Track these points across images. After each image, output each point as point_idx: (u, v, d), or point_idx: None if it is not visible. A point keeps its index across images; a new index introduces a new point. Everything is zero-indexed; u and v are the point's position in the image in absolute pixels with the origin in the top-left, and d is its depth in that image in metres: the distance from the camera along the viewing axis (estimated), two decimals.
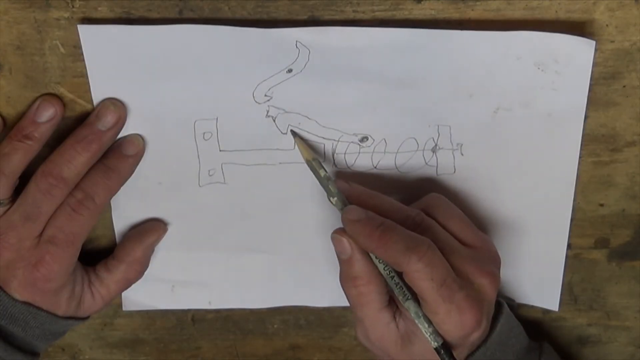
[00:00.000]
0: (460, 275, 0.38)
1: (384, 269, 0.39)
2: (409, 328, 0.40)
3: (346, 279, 0.39)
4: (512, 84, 0.41)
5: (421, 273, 0.36)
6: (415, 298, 0.38)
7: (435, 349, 0.38)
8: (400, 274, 0.38)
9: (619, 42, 0.40)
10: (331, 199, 0.40)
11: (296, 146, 0.42)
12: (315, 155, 0.41)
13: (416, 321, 0.38)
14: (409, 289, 0.38)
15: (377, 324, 0.40)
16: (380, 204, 0.40)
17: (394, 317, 0.40)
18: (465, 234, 0.40)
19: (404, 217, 0.39)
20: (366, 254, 0.39)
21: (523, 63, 0.40)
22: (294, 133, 0.41)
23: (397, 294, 0.39)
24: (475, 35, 0.39)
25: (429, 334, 0.38)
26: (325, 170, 0.41)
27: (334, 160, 0.42)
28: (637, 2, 0.39)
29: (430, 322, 0.38)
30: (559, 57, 0.40)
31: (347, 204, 0.40)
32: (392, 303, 0.40)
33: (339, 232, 0.39)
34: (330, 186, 0.40)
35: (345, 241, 0.39)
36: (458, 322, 0.37)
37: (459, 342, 0.39)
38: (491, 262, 0.40)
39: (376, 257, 0.39)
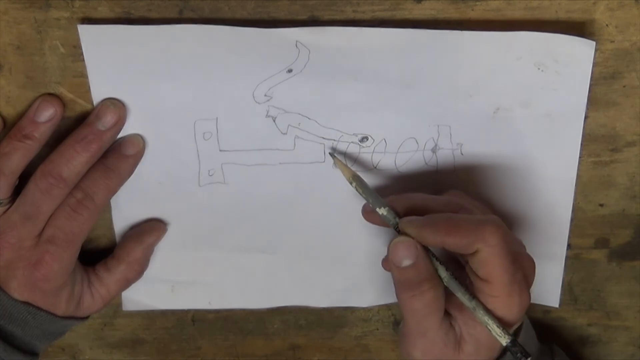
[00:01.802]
0: (519, 262, 0.38)
1: (445, 271, 0.38)
2: (463, 331, 0.39)
3: (411, 287, 0.37)
4: (512, 84, 0.41)
5: (496, 248, 0.36)
6: (466, 289, 0.38)
7: (506, 346, 0.37)
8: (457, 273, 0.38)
9: (619, 42, 0.40)
10: (381, 209, 0.39)
11: (297, 146, 0.42)
12: (354, 172, 0.40)
13: (486, 322, 0.37)
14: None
15: (440, 333, 0.38)
16: (421, 200, 0.40)
17: (451, 324, 0.39)
18: None
19: (445, 203, 0.39)
20: (428, 255, 0.38)
21: (523, 63, 0.40)
22: (332, 155, 0.41)
23: (461, 295, 0.38)
24: (475, 35, 0.39)
25: (498, 333, 0.37)
26: (368, 186, 0.40)
27: (334, 161, 0.42)
28: (637, 2, 0.39)
29: (497, 321, 0.37)
30: (559, 57, 0.40)
31: (397, 215, 0.39)
32: (445, 312, 0.39)
33: (403, 237, 0.38)
34: (378, 198, 0.40)
35: (413, 243, 0.37)
36: (517, 305, 0.37)
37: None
38: (528, 254, 0.40)
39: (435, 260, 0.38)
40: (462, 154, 0.43)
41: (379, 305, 0.48)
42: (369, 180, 0.43)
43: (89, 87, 0.39)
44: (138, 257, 0.43)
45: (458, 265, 0.40)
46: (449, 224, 0.37)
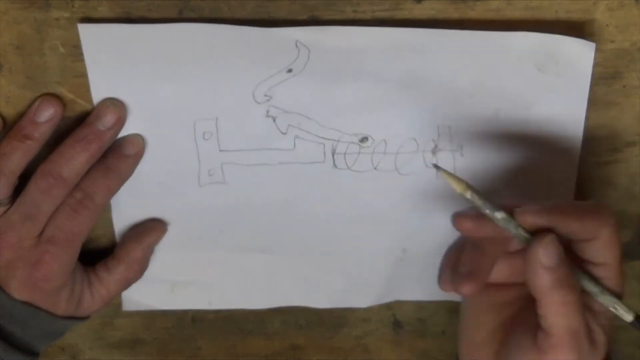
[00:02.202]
0: None
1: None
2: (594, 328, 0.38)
3: (563, 286, 0.36)
4: (513, 85, 0.41)
5: (614, 228, 0.36)
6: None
7: (631, 322, 0.37)
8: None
9: (619, 42, 0.40)
10: (497, 213, 0.37)
11: (297, 146, 0.42)
12: (467, 182, 0.37)
13: (614, 303, 0.37)
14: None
15: (587, 331, 0.37)
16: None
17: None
18: None
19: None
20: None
21: (523, 64, 0.40)
22: (437, 167, 0.38)
23: (587, 282, 0.37)
24: (475, 35, 0.39)
25: (625, 310, 0.37)
26: (480, 191, 0.37)
27: (334, 161, 0.42)
28: (637, 2, 0.39)
29: (620, 301, 0.37)
30: (559, 58, 0.40)
31: (512, 220, 0.37)
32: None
33: (548, 235, 0.36)
34: (493, 203, 0.37)
35: (558, 240, 0.36)
36: (624, 284, 0.38)
37: None
38: None
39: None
40: (462, 155, 0.43)
41: (379, 305, 0.48)
42: (370, 180, 0.43)
43: (89, 87, 0.39)
44: (138, 257, 0.43)
45: None
46: (577, 209, 0.36)
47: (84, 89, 0.40)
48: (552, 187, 0.44)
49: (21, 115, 0.39)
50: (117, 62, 0.39)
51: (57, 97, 0.40)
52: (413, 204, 0.44)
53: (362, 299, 0.47)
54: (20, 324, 0.40)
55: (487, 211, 0.37)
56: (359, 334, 0.50)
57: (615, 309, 0.37)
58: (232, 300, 0.47)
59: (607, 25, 0.40)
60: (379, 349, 0.51)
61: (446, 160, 0.43)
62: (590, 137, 0.43)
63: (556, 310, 0.36)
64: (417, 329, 0.50)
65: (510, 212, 0.37)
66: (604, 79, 0.41)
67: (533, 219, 0.36)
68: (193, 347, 0.50)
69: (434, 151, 0.43)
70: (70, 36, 0.38)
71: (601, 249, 0.37)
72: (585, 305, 0.37)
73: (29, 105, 0.39)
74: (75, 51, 0.39)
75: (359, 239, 0.45)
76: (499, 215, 0.37)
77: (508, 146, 0.42)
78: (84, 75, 0.39)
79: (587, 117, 0.42)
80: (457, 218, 0.39)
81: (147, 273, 0.45)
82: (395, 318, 0.49)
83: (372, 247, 0.45)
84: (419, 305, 0.49)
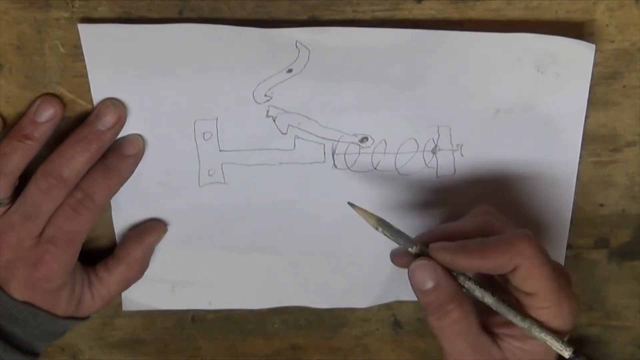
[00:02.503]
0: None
1: (491, 296, 0.37)
2: (513, 348, 0.38)
3: (436, 309, 0.37)
4: (512, 85, 0.41)
5: (535, 259, 0.35)
6: (516, 309, 0.37)
7: (569, 358, 0.36)
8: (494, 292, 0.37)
9: (619, 42, 0.40)
10: (411, 249, 0.38)
11: (297, 146, 0.42)
12: (379, 217, 0.38)
13: (544, 339, 0.36)
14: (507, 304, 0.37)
15: (480, 351, 0.37)
16: (450, 231, 0.39)
17: (496, 343, 0.38)
18: None
19: (474, 227, 0.38)
20: (451, 275, 0.37)
21: (523, 65, 0.40)
22: (352, 205, 0.39)
23: (513, 317, 0.37)
24: (475, 36, 0.39)
25: (559, 347, 0.36)
26: (393, 225, 0.39)
27: (334, 161, 0.42)
28: (637, 2, 0.39)
29: (555, 335, 0.36)
30: (559, 59, 0.40)
31: (422, 247, 0.38)
32: (486, 330, 0.38)
33: (420, 260, 0.37)
34: (405, 237, 0.38)
35: (432, 265, 0.36)
36: (569, 311, 0.36)
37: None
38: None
39: (467, 286, 0.37)
40: (462, 155, 0.43)
41: (379, 305, 0.48)
42: (370, 181, 0.43)
43: (89, 87, 0.39)
44: (138, 257, 0.43)
45: (496, 288, 0.39)
46: (483, 248, 0.36)
47: (84, 89, 0.40)
48: (552, 187, 0.44)
49: (21, 116, 0.39)
50: (117, 62, 0.39)
51: (57, 97, 0.40)
52: (413, 204, 0.44)
53: (361, 299, 0.47)
54: (21, 324, 0.40)
55: (402, 245, 0.38)
56: (359, 334, 0.50)
57: (550, 344, 0.36)
58: (232, 300, 0.47)
59: (607, 25, 0.40)
60: (379, 349, 0.51)
61: (446, 159, 0.43)
62: (590, 137, 0.43)
63: (435, 333, 0.38)
64: (417, 329, 0.50)
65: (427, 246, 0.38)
66: (604, 79, 0.41)
67: (446, 258, 0.37)
68: (193, 347, 0.50)
69: (434, 151, 0.43)
70: (70, 36, 0.38)
71: (521, 280, 0.36)
72: (503, 323, 0.38)
73: (29, 105, 0.39)
74: (75, 51, 0.39)
75: (359, 239, 0.45)
76: (413, 249, 0.38)
77: (508, 146, 0.42)
78: (84, 75, 0.39)
79: (587, 117, 0.42)
80: (393, 257, 0.40)
81: (147, 273, 0.45)
82: (395, 318, 0.49)
83: (372, 247, 0.45)
84: (419, 305, 0.48)
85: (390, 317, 0.49)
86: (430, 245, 0.37)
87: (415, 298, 0.48)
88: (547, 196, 0.44)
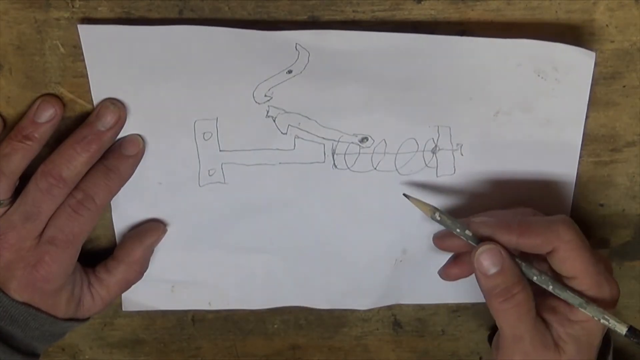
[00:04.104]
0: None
1: (540, 275, 0.38)
2: (561, 332, 0.39)
3: (503, 292, 0.38)
4: (512, 89, 0.41)
5: (573, 243, 0.37)
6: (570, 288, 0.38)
7: (625, 335, 0.37)
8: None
9: (619, 42, 0.40)
10: (469, 232, 0.39)
11: (297, 146, 0.42)
12: (434, 206, 0.40)
13: (601, 315, 0.37)
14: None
15: (537, 336, 0.38)
16: (493, 214, 0.40)
17: (546, 327, 0.39)
18: None
19: (514, 212, 0.40)
20: (514, 260, 0.38)
21: (523, 70, 0.40)
22: (407, 196, 0.41)
23: (569, 296, 0.38)
24: (475, 41, 0.39)
25: (616, 322, 0.37)
26: (449, 215, 0.40)
27: (334, 161, 0.42)
28: (637, 2, 0.39)
29: (610, 313, 0.37)
30: (559, 66, 0.40)
31: (476, 239, 0.39)
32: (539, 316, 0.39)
33: (487, 244, 0.38)
34: (461, 225, 0.39)
35: (499, 249, 0.37)
36: (610, 296, 0.37)
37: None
38: None
39: (524, 264, 0.38)
40: (462, 154, 0.43)
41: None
42: (370, 181, 0.43)
43: (89, 87, 0.39)
44: (138, 257, 0.43)
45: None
46: (522, 225, 0.37)
47: (84, 89, 0.40)
48: (552, 187, 0.44)
49: (21, 116, 0.39)
50: (117, 62, 0.39)
51: (57, 97, 0.40)
52: (413, 205, 0.44)
53: (362, 301, 0.47)
54: (21, 325, 0.40)
55: (458, 231, 0.39)
56: (359, 334, 0.50)
57: (607, 320, 0.37)
58: (232, 300, 0.47)
59: (607, 25, 0.40)
60: (379, 349, 0.51)
61: (446, 159, 0.43)
62: (590, 137, 0.43)
63: (497, 316, 0.39)
64: (417, 329, 0.50)
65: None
66: (604, 79, 0.41)
67: (486, 232, 0.38)
68: (193, 347, 0.50)
69: (434, 151, 0.42)
70: (70, 36, 0.38)
71: (560, 263, 0.37)
72: (550, 308, 0.39)
73: (29, 106, 0.39)
74: (75, 51, 0.39)
75: (359, 239, 0.45)
76: (466, 231, 0.39)
77: (508, 146, 0.42)
78: (84, 75, 0.39)
79: (587, 117, 0.42)
80: (435, 239, 0.43)
81: (147, 273, 0.45)
82: (395, 318, 0.49)
83: (372, 247, 0.45)
84: (419, 305, 0.49)
85: (390, 317, 0.49)
86: (471, 218, 0.39)
87: (415, 301, 0.48)
88: (547, 196, 0.44)
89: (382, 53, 0.39)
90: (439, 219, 0.39)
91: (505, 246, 0.38)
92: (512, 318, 0.38)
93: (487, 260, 0.38)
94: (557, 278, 0.39)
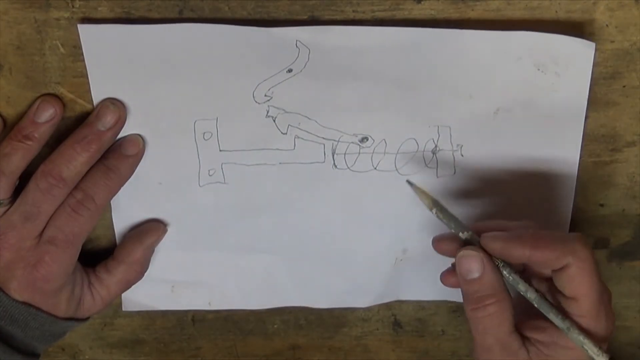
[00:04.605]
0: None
1: (535, 292, 0.37)
2: (542, 354, 0.38)
3: (476, 300, 0.37)
4: (512, 84, 0.41)
5: (586, 262, 0.35)
6: (557, 309, 0.37)
7: None
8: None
9: (619, 42, 0.40)
10: (462, 234, 0.38)
11: (297, 146, 0.42)
12: (435, 198, 0.39)
13: (581, 342, 0.36)
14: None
15: (508, 350, 0.37)
16: (501, 225, 0.39)
17: (524, 345, 0.38)
18: None
19: (524, 226, 0.39)
20: (497, 270, 0.37)
21: (523, 64, 0.40)
22: (410, 183, 0.39)
23: (553, 316, 0.37)
24: (475, 35, 0.39)
25: (595, 352, 0.36)
26: (449, 211, 0.39)
27: (334, 161, 0.42)
28: (637, 2, 0.39)
29: (593, 340, 0.36)
30: (559, 58, 0.40)
31: (476, 235, 0.38)
32: (517, 332, 0.38)
33: (469, 249, 0.37)
34: (459, 223, 0.39)
35: (480, 256, 0.37)
36: (603, 328, 0.36)
37: None
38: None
39: (512, 277, 0.38)
40: (462, 155, 0.43)
41: (379, 305, 0.48)
42: (370, 181, 0.43)
43: (89, 87, 0.39)
44: (138, 258, 0.43)
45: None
46: (536, 238, 0.36)
47: (84, 89, 0.40)
48: (552, 187, 0.44)
49: (21, 116, 0.39)
50: (117, 62, 0.39)
51: (57, 97, 0.40)
52: (413, 204, 0.44)
53: (362, 299, 0.47)
54: (21, 325, 0.40)
55: (453, 229, 0.39)
56: (359, 334, 0.50)
57: (586, 349, 0.36)
58: (232, 301, 0.47)
59: (607, 25, 0.40)
60: (379, 349, 0.51)
61: (446, 159, 0.43)
62: (590, 137, 0.43)
63: (469, 322, 0.38)
64: (417, 329, 0.50)
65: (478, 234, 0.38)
66: (604, 79, 0.41)
67: (498, 246, 0.37)
68: (193, 347, 0.50)
69: (434, 151, 0.43)
70: (70, 36, 0.38)
71: (569, 282, 0.36)
72: (539, 328, 0.38)
73: (29, 106, 0.39)
74: (75, 51, 0.39)
75: (359, 239, 0.45)
76: (464, 235, 0.38)
77: (508, 146, 0.42)
78: (84, 75, 0.39)
79: (587, 117, 0.42)
80: (434, 241, 0.41)
81: (147, 273, 0.45)
82: (395, 318, 0.49)
83: (372, 247, 0.45)
84: (419, 305, 0.49)
85: (390, 317, 0.49)
86: (483, 234, 0.38)
87: (415, 298, 0.48)
88: (547, 196, 0.44)
89: (382, 49, 0.39)
90: (435, 214, 0.39)
91: (516, 260, 0.37)
92: (481, 327, 0.38)
93: (467, 264, 0.37)
94: (553, 297, 0.38)
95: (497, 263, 0.37)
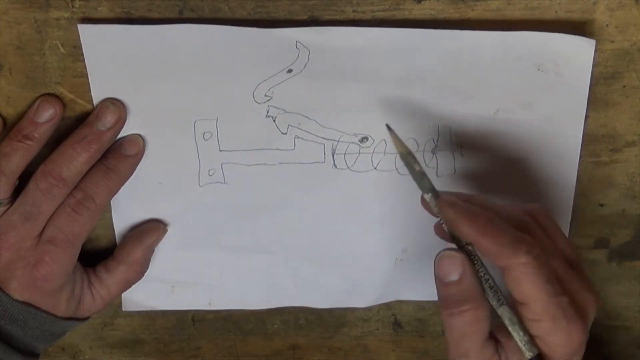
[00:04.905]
0: (561, 286, 0.34)
1: (480, 270, 0.36)
2: (509, 358, 0.36)
3: (453, 304, 0.35)
4: (513, 85, 0.41)
5: (528, 267, 0.33)
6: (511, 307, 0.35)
7: (530, 359, 0.34)
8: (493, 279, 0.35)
9: (619, 42, 0.40)
10: (425, 195, 0.36)
11: (297, 146, 0.42)
12: (410, 150, 0.37)
13: (510, 329, 0.35)
14: (504, 297, 0.35)
15: (482, 357, 0.36)
16: (481, 202, 0.37)
17: (497, 351, 0.36)
18: (569, 254, 0.37)
19: (508, 215, 0.36)
20: (476, 274, 0.35)
21: (523, 64, 0.40)
22: (388, 127, 0.37)
23: (491, 298, 0.35)
24: (475, 35, 0.39)
25: (523, 342, 0.34)
26: (420, 165, 0.37)
27: (334, 161, 0.42)
28: (637, 2, 0.39)
29: (525, 331, 0.35)
30: (559, 58, 0.40)
31: (439, 200, 0.36)
32: (492, 337, 0.36)
33: (450, 250, 0.36)
34: (425, 181, 0.36)
35: (460, 258, 0.35)
36: (566, 332, 0.34)
37: None
38: (592, 290, 0.36)
39: (470, 256, 0.36)
40: (462, 155, 0.43)
41: (379, 305, 0.48)
42: (370, 181, 0.43)
43: (89, 87, 0.39)
44: (138, 258, 0.43)
45: None
46: (489, 225, 0.34)
47: (84, 89, 0.40)
48: (552, 187, 0.44)
49: (21, 116, 0.39)
50: (117, 62, 0.39)
51: (57, 97, 0.40)
52: (413, 204, 0.44)
53: (361, 299, 0.47)
54: (20, 324, 0.40)
55: (418, 186, 0.37)
56: (359, 334, 0.50)
57: (516, 338, 0.35)
58: (232, 301, 0.47)
59: (607, 25, 0.40)
60: (379, 349, 0.51)
61: (446, 160, 0.43)
62: (590, 137, 0.43)
63: (444, 326, 0.36)
64: (417, 329, 0.50)
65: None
66: (604, 79, 0.41)
67: (448, 214, 0.35)
68: (193, 347, 0.50)
69: (434, 151, 0.43)
70: (70, 36, 0.38)
71: (514, 285, 0.34)
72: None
73: (29, 106, 0.39)
74: (75, 51, 0.39)
75: (359, 239, 0.45)
76: (427, 196, 0.36)
77: (508, 146, 0.42)
78: (84, 75, 0.39)
79: (587, 117, 0.42)
80: (436, 227, 0.39)
81: (147, 273, 0.45)
82: (395, 318, 0.49)
83: (372, 247, 0.45)
84: (419, 305, 0.49)
85: (390, 317, 0.49)
86: (441, 193, 0.36)
87: (415, 298, 0.48)
88: (547, 196, 0.44)
89: (382, 49, 0.39)
90: (406, 165, 0.36)
91: (464, 238, 0.35)
92: (457, 334, 0.35)
93: (446, 266, 0.35)
94: (512, 300, 0.36)
95: (477, 267, 0.36)
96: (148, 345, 0.50)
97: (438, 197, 0.36)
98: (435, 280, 0.36)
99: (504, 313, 0.35)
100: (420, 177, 0.37)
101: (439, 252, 0.36)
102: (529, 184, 0.43)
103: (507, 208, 0.37)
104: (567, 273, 0.36)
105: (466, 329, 0.35)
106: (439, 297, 0.36)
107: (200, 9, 0.38)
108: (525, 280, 0.33)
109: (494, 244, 0.34)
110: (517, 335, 0.35)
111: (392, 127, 0.37)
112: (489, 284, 0.36)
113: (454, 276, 0.35)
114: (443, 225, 0.37)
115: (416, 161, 0.37)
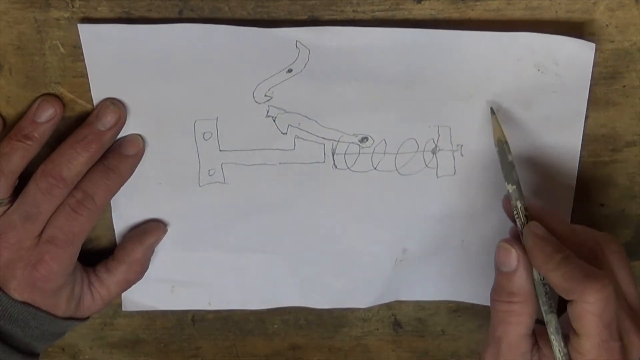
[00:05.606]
0: (618, 331, 0.35)
1: (539, 276, 0.37)
2: None
3: (500, 293, 0.37)
4: (512, 85, 0.41)
5: (593, 306, 0.34)
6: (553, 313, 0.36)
7: None
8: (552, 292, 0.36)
9: (619, 42, 0.40)
10: (509, 185, 0.38)
11: (297, 146, 0.42)
12: (504, 139, 0.39)
13: (552, 337, 0.36)
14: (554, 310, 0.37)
15: (514, 349, 0.37)
16: (559, 223, 0.38)
17: (531, 350, 0.37)
18: (631, 294, 0.38)
19: (579, 241, 0.38)
20: (530, 271, 0.37)
21: (523, 64, 0.40)
22: (492, 110, 0.40)
23: (542, 303, 0.37)
24: (475, 35, 0.39)
25: (562, 354, 0.36)
26: (512, 156, 0.39)
27: (334, 161, 0.42)
28: (637, 2, 0.39)
29: (566, 343, 0.36)
30: (559, 59, 0.40)
31: (523, 198, 0.38)
32: (533, 336, 0.38)
33: (508, 243, 0.37)
34: (513, 173, 0.39)
35: (514, 253, 0.37)
36: None
37: None
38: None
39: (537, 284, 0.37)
40: (462, 155, 0.43)
41: (379, 305, 0.48)
42: (370, 181, 0.43)
43: (89, 87, 0.39)
44: (138, 257, 0.43)
45: None
46: (562, 263, 0.35)
47: (84, 89, 0.40)
48: (552, 188, 0.44)
49: (21, 116, 0.39)
50: (117, 62, 0.39)
51: (57, 97, 0.40)
52: (413, 204, 0.44)
53: (362, 299, 0.47)
54: (20, 324, 0.40)
55: (503, 176, 0.39)
56: (359, 334, 0.50)
57: (553, 347, 0.36)
58: (232, 301, 0.47)
59: (607, 25, 0.40)
60: (379, 349, 0.51)
61: (446, 160, 0.43)
62: (590, 137, 0.43)
63: (491, 308, 0.38)
64: (417, 329, 0.50)
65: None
66: (604, 79, 0.41)
67: (528, 243, 0.37)
68: (193, 347, 0.50)
69: (434, 151, 0.43)
70: (70, 36, 0.38)
71: (574, 317, 0.35)
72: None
73: (29, 106, 0.39)
74: (75, 51, 0.39)
75: (359, 239, 0.45)
76: (508, 187, 0.39)
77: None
78: (84, 75, 0.39)
79: (587, 117, 0.42)
80: (504, 200, 0.40)
81: (147, 273, 0.45)
82: (395, 318, 0.49)
83: (372, 247, 0.45)
84: (419, 305, 0.49)
85: (390, 317, 0.49)
86: (530, 223, 0.37)
87: (415, 298, 0.48)
88: (547, 196, 0.44)
89: (382, 49, 0.39)
90: (497, 151, 0.39)
91: (533, 265, 0.37)
92: (496, 318, 0.37)
93: (503, 257, 0.37)
94: (569, 324, 0.36)
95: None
96: (148, 345, 0.50)
97: (521, 193, 0.39)
98: (494, 264, 0.38)
99: (551, 321, 0.36)
100: (510, 168, 0.39)
101: (500, 241, 0.38)
102: (529, 184, 0.43)
103: (580, 232, 0.39)
104: (625, 317, 0.37)
105: (506, 317, 0.37)
106: (494, 281, 0.38)
107: (200, 9, 0.38)
108: (586, 319, 0.34)
109: (565, 280, 0.35)
110: (558, 345, 0.36)
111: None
112: (545, 289, 0.37)
113: (506, 268, 0.37)
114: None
115: (510, 151, 0.39)
